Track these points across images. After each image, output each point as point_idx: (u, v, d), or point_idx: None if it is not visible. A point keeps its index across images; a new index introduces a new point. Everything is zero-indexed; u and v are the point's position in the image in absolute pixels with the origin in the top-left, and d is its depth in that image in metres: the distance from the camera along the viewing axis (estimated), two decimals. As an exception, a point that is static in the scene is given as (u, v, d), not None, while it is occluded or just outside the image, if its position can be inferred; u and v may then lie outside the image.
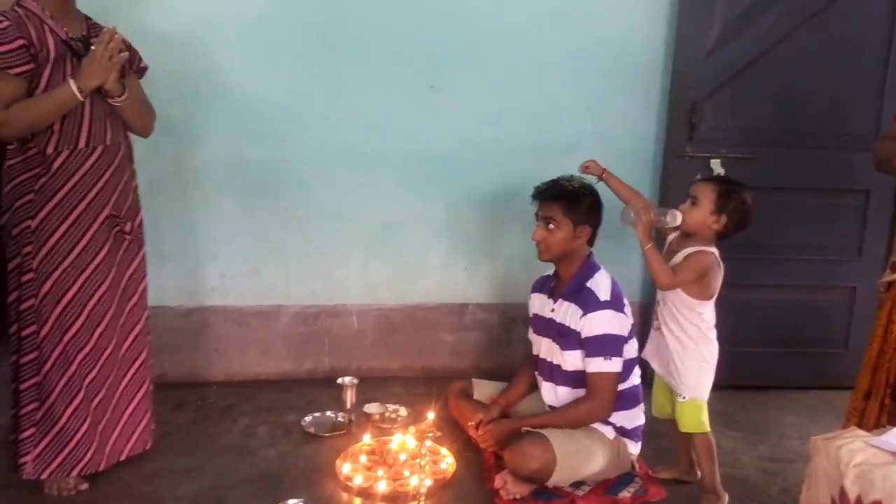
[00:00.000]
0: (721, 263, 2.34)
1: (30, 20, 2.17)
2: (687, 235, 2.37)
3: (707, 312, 2.36)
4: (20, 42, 2.12)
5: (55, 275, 2.26)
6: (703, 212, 2.30)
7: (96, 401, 2.39)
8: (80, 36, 2.27)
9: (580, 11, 3.17)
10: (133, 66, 2.46)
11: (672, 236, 2.46)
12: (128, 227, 2.43)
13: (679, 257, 2.34)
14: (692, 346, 2.36)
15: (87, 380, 2.35)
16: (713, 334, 2.38)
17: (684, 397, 2.38)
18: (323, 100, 3.15)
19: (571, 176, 2.57)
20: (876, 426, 2.17)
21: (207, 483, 2.51)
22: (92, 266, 2.32)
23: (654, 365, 2.51)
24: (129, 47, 2.39)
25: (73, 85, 2.16)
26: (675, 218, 2.31)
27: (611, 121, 3.27)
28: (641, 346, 2.57)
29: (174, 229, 3.15)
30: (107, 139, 2.32)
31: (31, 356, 2.31)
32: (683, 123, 3.17)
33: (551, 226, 2.47)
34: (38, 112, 2.17)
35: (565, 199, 2.48)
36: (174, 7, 2.98)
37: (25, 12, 2.17)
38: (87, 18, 2.37)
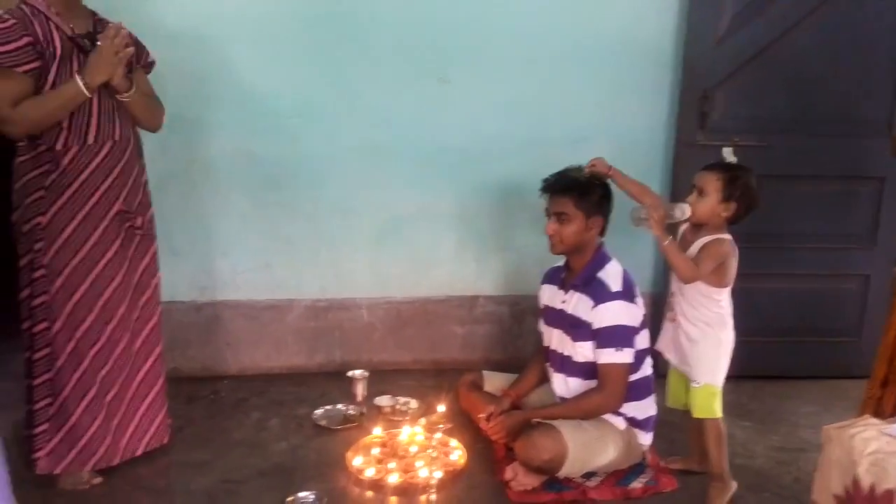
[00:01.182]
0: (736, 248, 2.33)
1: (35, 17, 2.16)
2: (698, 225, 2.35)
3: (725, 299, 2.35)
4: (26, 40, 2.11)
5: (66, 271, 2.27)
6: (711, 201, 2.28)
7: (110, 396, 2.40)
8: (86, 32, 2.27)
9: (589, 2, 3.15)
10: (140, 61, 2.45)
11: (683, 228, 2.44)
12: (139, 222, 2.43)
13: (695, 248, 2.32)
14: (711, 333, 2.35)
15: (100, 375, 2.36)
16: (730, 320, 2.37)
17: (699, 383, 2.37)
18: (332, 94, 3.15)
19: (580, 167, 2.56)
20: (893, 414, 2.15)
21: (220, 476, 2.52)
22: (103, 261, 2.32)
23: (669, 355, 2.50)
24: (135, 42, 2.39)
25: (79, 81, 2.16)
26: (684, 211, 2.29)
27: (621, 111, 3.25)
28: (653, 337, 2.56)
29: (185, 225, 3.17)
30: (115, 135, 2.32)
31: (44, 352, 2.32)
32: (695, 112, 3.15)
33: (563, 219, 2.46)
34: (45, 110, 2.17)
35: (576, 192, 2.46)
36: (182, 3, 2.98)
37: (31, 9, 2.17)
38: (94, 14, 2.36)
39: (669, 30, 3.19)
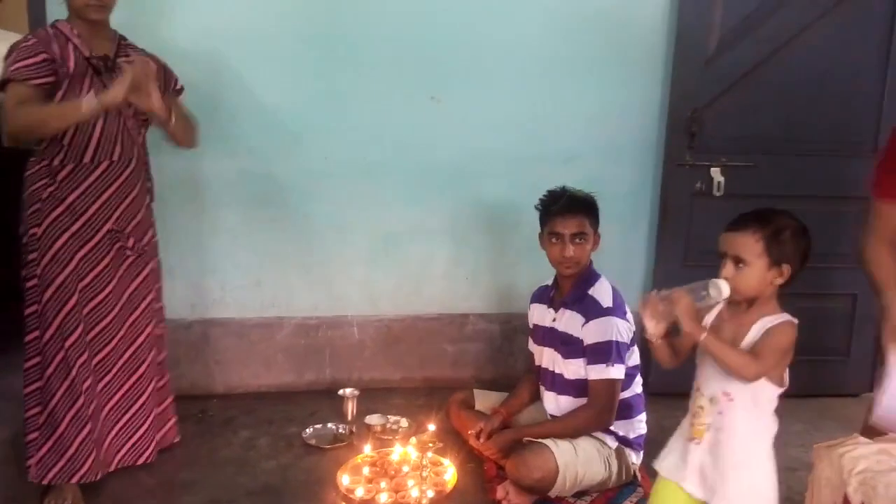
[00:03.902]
0: None
1: (57, 39, 2.30)
2: (740, 302, 1.79)
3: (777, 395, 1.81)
4: (43, 56, 2.24)
5: (57, 281, 2.32)
6: (756, 271, 1.73)
7: (91, 408, 2.41)
8: (103, 55, 2.37)
9: (579, 21, 3.18)
10: (170, 88, 2.58)
11: (720, 307, 1.85)
12: (130, 243, 2.47)
13: (754, 334, 1.75)
14: (762, 450, 1.80)
15: (84, 386, 2.38)
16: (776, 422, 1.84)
17: None
18: (324, 111, 3.16)
19: (564, 186, 2.57)
20: None
21: (208, 496, 2.50)
22: (91, 275, 2.38)
23: (691, 485, 1.82)
24: (165, 69, 2.55)
25: (83, 99, 2.22)
26: (720, 290, 1.71)
27: (611, 130, 3.28)
28: (643, 356, 2.56)
29: (176, 242, 3.14)
30: (113, 155, 2.39)
31: (35, 361, 2.37)
32: (683, 132, 3.18)
33: (582, 239, 2.47)
34: (37, 116, 2.23)
35: (589, 210, 2.50)
36: (177, 22, 2.99)
37: (55, 32, 2.32)
38: (121, 39, 2.48)
39: (659, 49, 3.23)
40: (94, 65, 2.34)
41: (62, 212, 2.32)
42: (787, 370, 1.77)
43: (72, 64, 2.28)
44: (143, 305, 2.54)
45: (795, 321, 1.75)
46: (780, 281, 1.75)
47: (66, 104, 2.25)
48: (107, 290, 2.41)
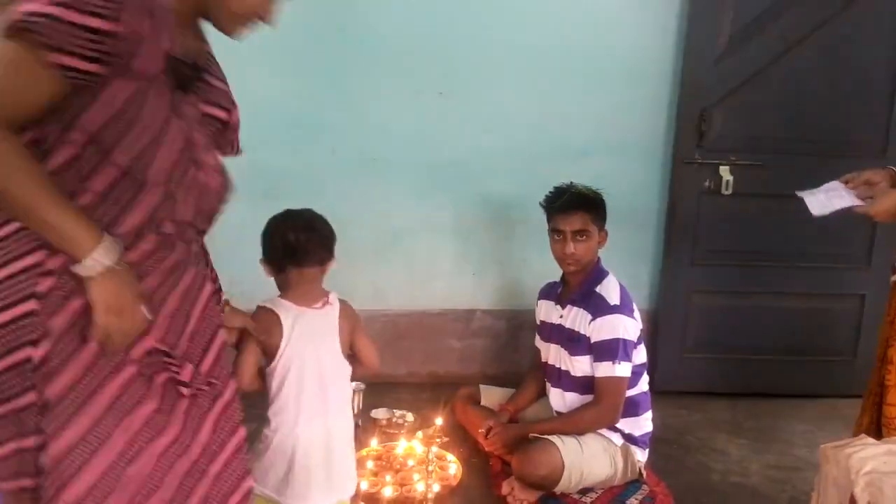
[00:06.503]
0: (292, 319, 1.93)
1: (161, 14, 1.28)
2: None
3: (273, 418, 2.01)
4: (111, 26, 1.16)
5: (62, 445, 1.20)
6: None
7: None
8: (192, 62, 1.43)
9: (589, 19, 3.19)
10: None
11: None
12: (186, 374, 1.36)
13: None
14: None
15: None
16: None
17: None
18: (333, 106, 3.17)
19: (571, 183, 2.57)
20: (869, 426, 2.13)
21: (215, 488, 2.51)
22: (120, 436, 1.25)
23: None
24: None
25: (103, 241, 1.21)
26: None
27: (620, 128, 3.28)
28: (649, 354, 2.56)
29: (183, 234, 3.17)
30: (164, 227, 1.38)
31: None
32: (692, 131, 3.17)
33: (583, 236, 2.46)
34: (24, 190, 1.15)
35: (592, 207, 2.49)
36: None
37: (157, 4, 1.27)
38: (206, 43, 1.59)
39: (668, 48, 3.23)
40: (181, 72, 1.36)
41: (72, 318, 1.22)
42: (278, 352, 1.95)
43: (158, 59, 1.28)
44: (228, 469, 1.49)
45: (271, 304, 2.03)
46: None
47: (73, 219, 1.19)
48: (151, 457, 1.28)
